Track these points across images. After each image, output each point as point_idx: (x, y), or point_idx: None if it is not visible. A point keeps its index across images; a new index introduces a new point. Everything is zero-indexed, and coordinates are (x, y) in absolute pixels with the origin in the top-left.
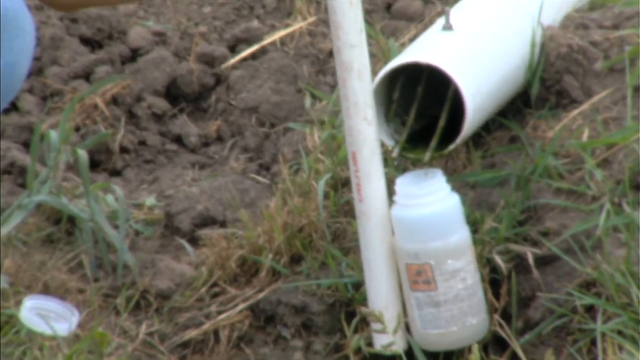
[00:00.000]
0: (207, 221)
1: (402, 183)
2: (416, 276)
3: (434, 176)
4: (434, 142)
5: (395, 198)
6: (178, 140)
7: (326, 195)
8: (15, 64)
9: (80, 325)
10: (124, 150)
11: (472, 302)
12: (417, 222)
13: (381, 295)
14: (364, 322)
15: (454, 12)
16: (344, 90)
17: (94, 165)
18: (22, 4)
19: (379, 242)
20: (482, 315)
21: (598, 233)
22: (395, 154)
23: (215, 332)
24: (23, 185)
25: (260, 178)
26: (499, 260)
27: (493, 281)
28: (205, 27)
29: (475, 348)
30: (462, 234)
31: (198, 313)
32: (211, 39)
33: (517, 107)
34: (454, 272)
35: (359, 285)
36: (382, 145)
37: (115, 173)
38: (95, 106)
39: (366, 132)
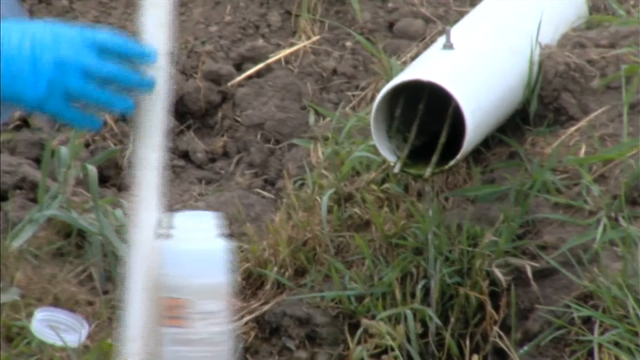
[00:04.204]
0: None
1: (176, 217)
2: (170, 311)
3: (207, 216)
4: (435, 158)
5: (166, 230)
6: (185, 156)
7: (330, 210)
8: None
9: (90, 336)
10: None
11: (220, 349)
12: (181, 256)
13: (137, 325)
14: (367, 334)
15: (455, 31)
16: (138, 113)
17: (103, 180)
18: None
19: (143, 271)
20: None
21: (595, 247)
22: (397, 169)
23: None
24: (34, 200)
25: (265, 193)
26: (498, 273)
27: (492, 293)
28: (211, 46)
29: (476, 359)
30: (223, 278)
31: None
32: (217, 58)
33: (516, 124)
34: (209, 313)
35: (362, 298)
36: (384, 161)
37: (124, 188)
38: (105, 123)
39: (149, 158)
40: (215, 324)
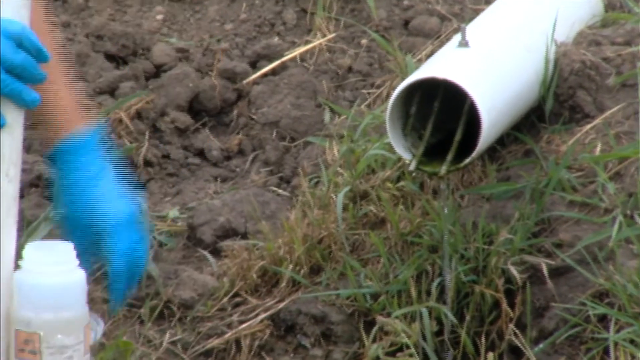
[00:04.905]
0: (229, 233)
1: (31, 248)
2: (24, 344)
3: (64, 247)
4: (450, 156)
5: (21, 262)
6: (200, 153)
7: (345, 208)
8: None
9: (106, 334)
10: (148, 163)
11: None
12: (34, 289)
13: None
14: (383, 332)
15: (470, 29)
16: None
17: None
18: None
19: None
20: None
21: (610, 244)
22: (412, 167)
23: (237, 341)
24: (50, 198)
25: (280, 191)
26: (513, 271)
27: (508, 291)
28: (227, 44)
29: (491, 357)
30: (78, 311)
31: (220, 322)
32: (233, 55)
33: (531, 122)
34: (62, 348)
35: (377, 296)
36: (400, 159)
37: (139, 186)
38: (120, 121)
39: (4, 189)
40: (67, 357)
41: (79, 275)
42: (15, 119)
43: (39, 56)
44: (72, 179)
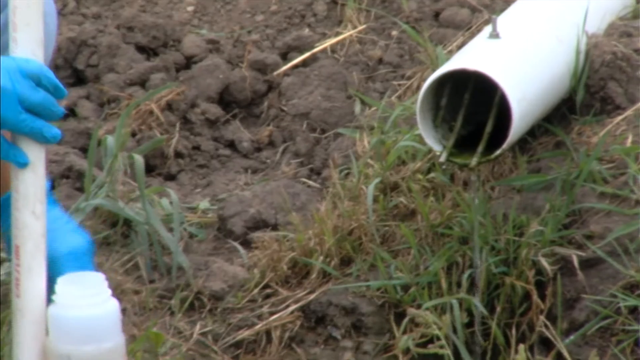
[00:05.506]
0: (259, 224)
1: (63, 282)
2: None
3: (96, 279)
4: (481, 148)
5: (54, 297)
6: (231, 145)
7: (375, 199)
8: None
9: (136, 325)
10: (178, 155)
11: None
12: (72, 323)
13: None
14: (413, 323)
15: (501, 20)
16: (15, 181)
17: (150, 169)
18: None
19: (30, 340)
20: None
21: None
22: (443, 159)
23: (267, 333)
24: (80, 189)
25: (311, 182)
26: (544, 262)
27: (538, 283)
28: (257, 35)
29: (522, 349)
30: (116, 341)
31: (250, 314)
32: (263, 47)
33: (562, 113)
34: None
35: (407, 287)
36: (430, 150)
37: (170, 177)
38: (151, 112)
39: (32, 227)
40: None
41: (114, 305)
42: (38, 156)
43: (57, 93)
44: None
